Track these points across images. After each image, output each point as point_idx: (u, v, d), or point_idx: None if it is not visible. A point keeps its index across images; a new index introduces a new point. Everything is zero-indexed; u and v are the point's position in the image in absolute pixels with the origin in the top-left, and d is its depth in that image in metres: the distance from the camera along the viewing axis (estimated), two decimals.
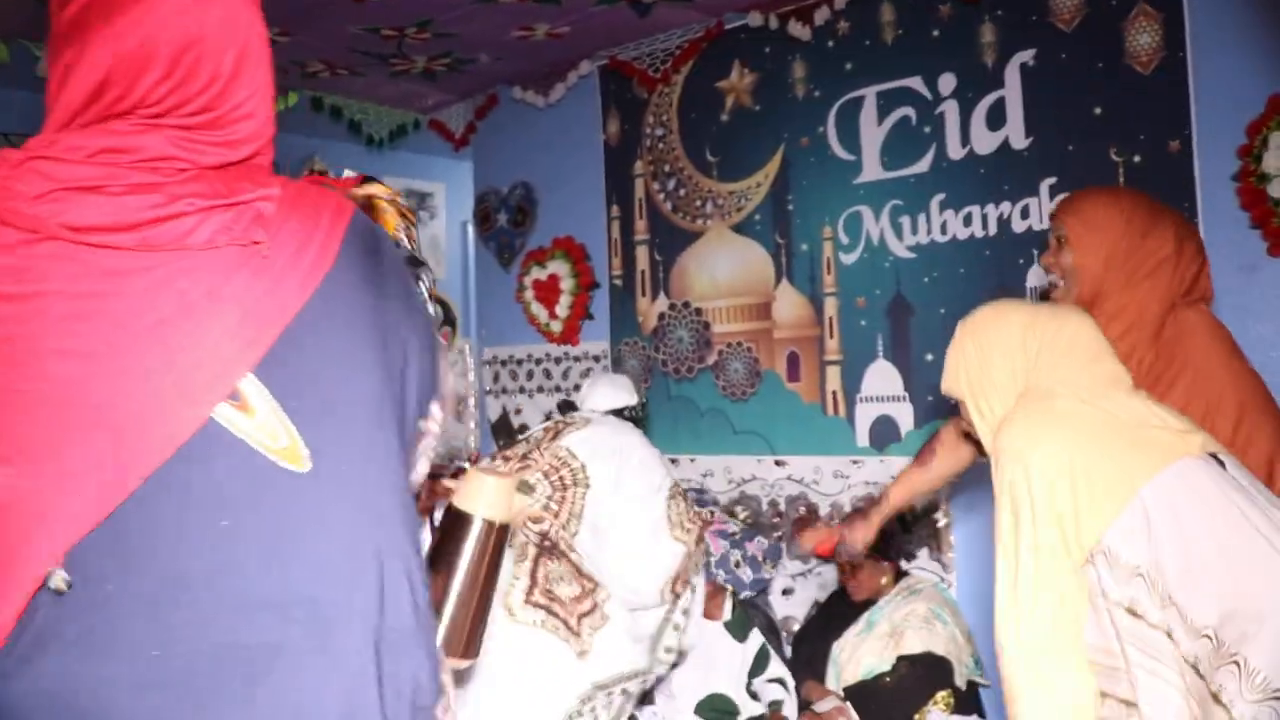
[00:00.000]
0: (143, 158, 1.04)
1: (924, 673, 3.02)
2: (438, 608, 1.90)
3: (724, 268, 4.06)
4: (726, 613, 3.45)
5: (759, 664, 3.42)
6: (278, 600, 1.02)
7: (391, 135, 4.71)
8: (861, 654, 3.16)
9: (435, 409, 1.22)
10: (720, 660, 3.43)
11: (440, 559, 1.88)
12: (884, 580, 3.23)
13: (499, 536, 1.85)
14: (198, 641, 1.01)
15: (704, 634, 3.43)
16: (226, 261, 1.05)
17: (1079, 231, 2.09)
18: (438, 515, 1.98)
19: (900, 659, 3.06)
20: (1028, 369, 1.74)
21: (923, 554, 3.48)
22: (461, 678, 2.47)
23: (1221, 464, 1.60)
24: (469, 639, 1.88)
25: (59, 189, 1.01)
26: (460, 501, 1.81)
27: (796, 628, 3.66)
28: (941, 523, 3.42)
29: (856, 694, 3.08)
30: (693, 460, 4.10)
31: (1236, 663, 1.47)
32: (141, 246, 1.02)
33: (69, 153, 1.04)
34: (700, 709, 3.41)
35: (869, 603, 3.24)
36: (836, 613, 3.35)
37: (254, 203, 1.07)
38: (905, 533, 3.43)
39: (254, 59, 1.10)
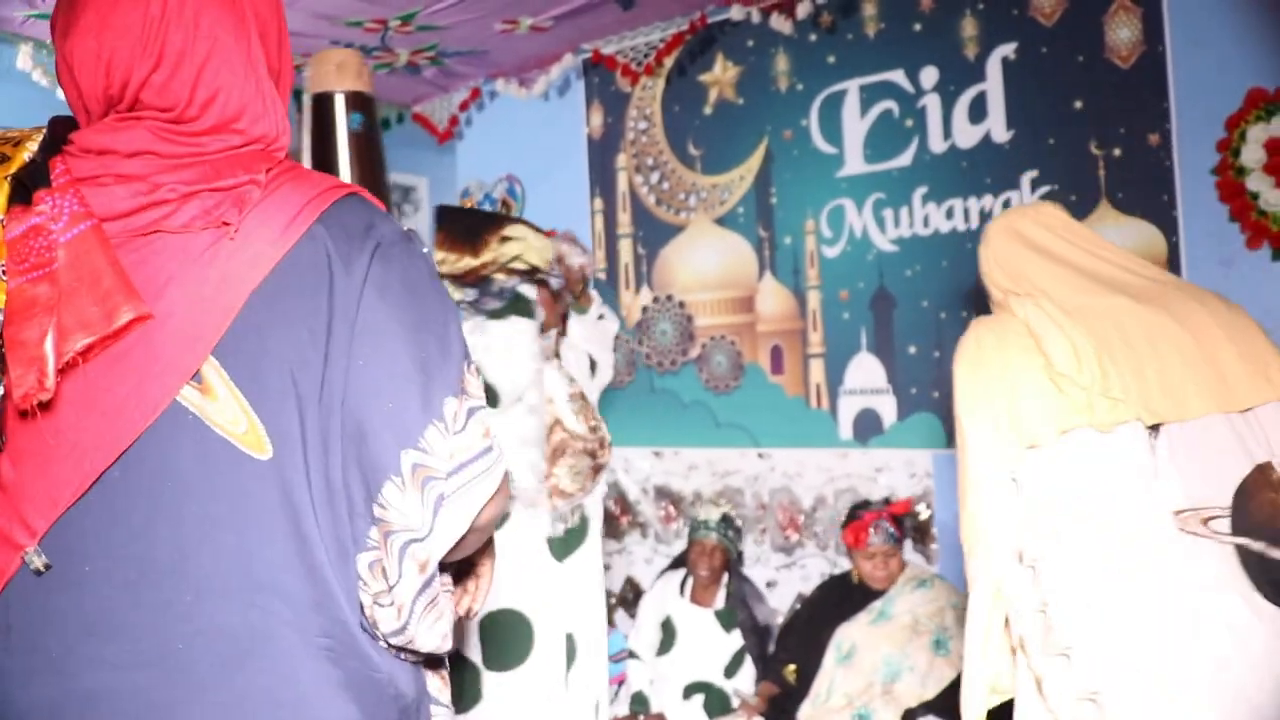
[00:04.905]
0: (129, 151, 1.08)
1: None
2: None
3: (707, 261, 4.06)
4: (719, 602, 3.50)
5: (733, 665, 3.46)
6: (240, 587, 1.03)
7: None
8: (878, 641, 3.14)
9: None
10: (709, 648, 3.48)
11: None
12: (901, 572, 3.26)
13: None
14: (175, 624, 1.03)
15: (694, 621, 3.49)
16: (200, 244, 1.06)
17: None
18: None
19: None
20: None
21: (906, 545, 3.49)
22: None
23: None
24: None
25: (73, 180, 1.07)
26: None
27: (780, 620, 3.67)
28: (924, 515, 3.44)
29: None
30: (676, 453, 4.11)
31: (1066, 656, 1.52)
32: (124, 233, 1.06)
33: (80, 146, 1.10)
34: (689, 693, 3.46)
35: (878, 592, 3.24)
36: (834, 602, 3.34)
37: (238, 188, 1.07)
38: (917, 529, 3.44)
39: (220, 59, 1.11)
